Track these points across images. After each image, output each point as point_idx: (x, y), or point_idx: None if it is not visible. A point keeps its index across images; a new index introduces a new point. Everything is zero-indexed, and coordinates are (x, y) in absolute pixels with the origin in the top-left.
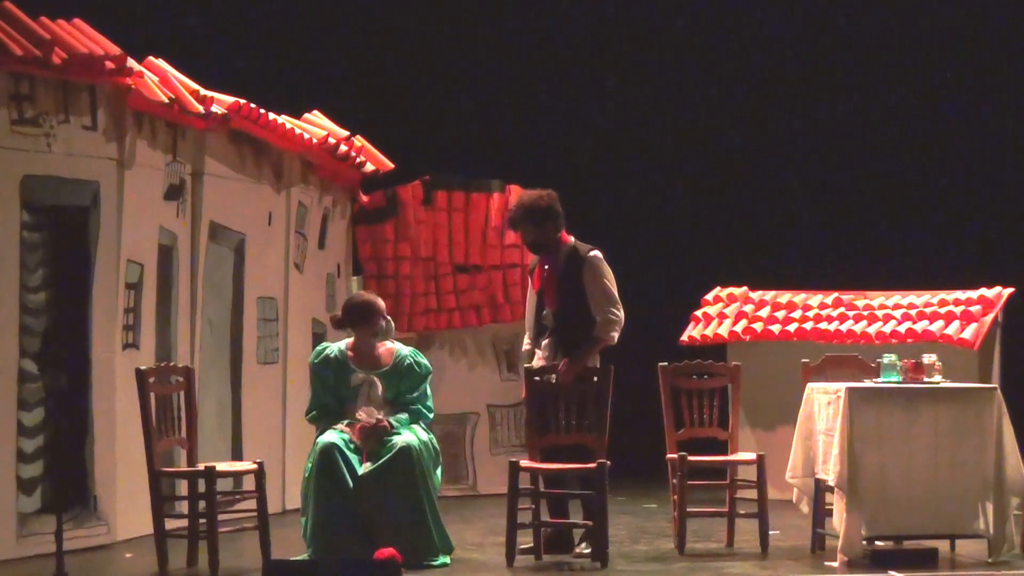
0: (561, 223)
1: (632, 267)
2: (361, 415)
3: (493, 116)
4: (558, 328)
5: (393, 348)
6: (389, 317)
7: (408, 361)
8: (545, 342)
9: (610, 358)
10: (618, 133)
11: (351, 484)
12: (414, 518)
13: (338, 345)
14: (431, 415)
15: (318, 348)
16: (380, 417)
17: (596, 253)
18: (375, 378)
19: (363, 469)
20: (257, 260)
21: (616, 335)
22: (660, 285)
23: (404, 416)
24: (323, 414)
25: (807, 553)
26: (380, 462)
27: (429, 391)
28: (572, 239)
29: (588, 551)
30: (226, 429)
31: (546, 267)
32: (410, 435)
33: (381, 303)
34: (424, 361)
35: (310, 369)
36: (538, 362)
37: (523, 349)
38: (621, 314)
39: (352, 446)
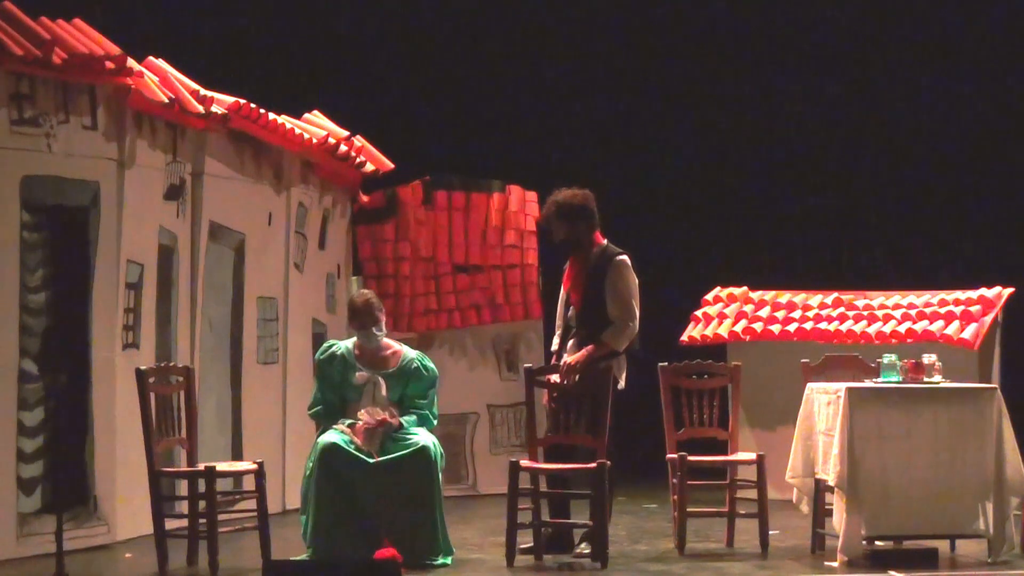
0: (595, 223)
1: (633, 267)
2: (363, 415)
3: (493, 116)
4: (579, 328)
5: (400, 350)
6: (369, 327)
7: (415, 365)
8: (570, 343)
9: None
10: (618, 133)
11: (355, 480)
12: (423, 517)
13: (346, 344)
14: (435, 422)
15: (325, 344)
16: (386, 415)
17: (623, 258)
18: (380, 378)
19: (375, 460)
20: (257, 260)
21: (624, 344)
22: (660, 285)
23: (412, 418)
24: (326, 412)
25: (807, 553)
26: (398, 454)
27: (435, 398)
28: (605, 241)
29: (588, 551)
30: (226, 429)
31: (576, 267)
32: (427, 436)
33: (361, 304)
34: (431, 365)
35: (315, 365)
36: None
37: (552, 350)
38: (635, 325)
39: (353, 446)
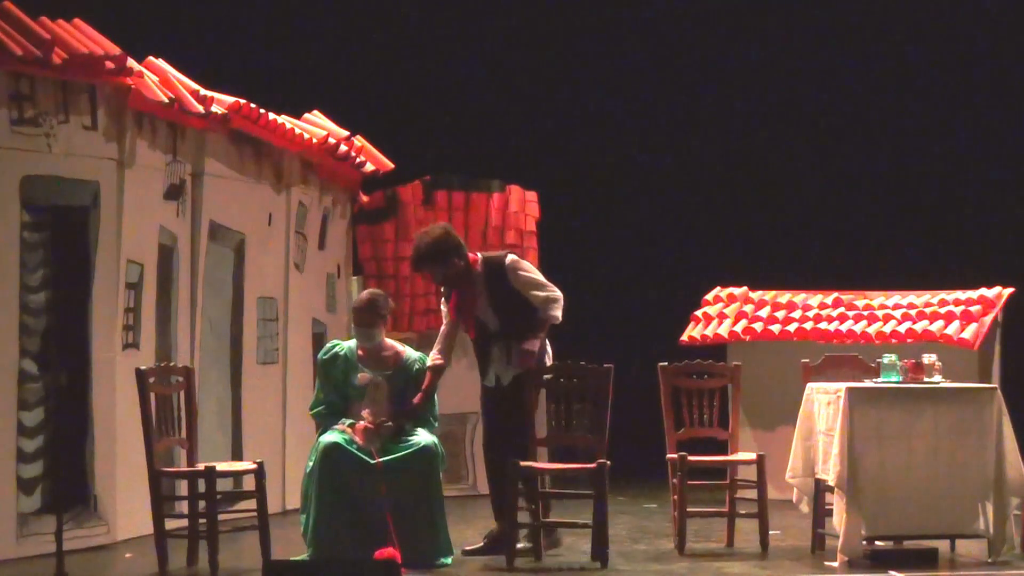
0: (463, 250)
1: (633, 267)
2: (366, 415)
3: (493, 116)
4: (506, 335)
5: (403, 352)
6: (366, 326)
7: (417, 366)
8: (495, 349)
9: (610, 358)
10: (618, 133)
11: (356, 480)
12: (427, 516)
13: (349, 344)
14: (436, 423)
15: (329, 344)
16: (383, 419)
17: (511, 257)
18: (382, 379)
19: (377, 460)
20: (257, 260)
21: (559, 313)
22: (660, 285)
23: (413, 419)
24: (329, 411)
25: (807, 553)
26: (402, 454)
27: (436, 400)
28: (479, 256)
29: (529, 546)
30: (226, 429)
31: (465, 294)
32: (428, 436)
33: (360, 303)
34: None
35: (318, 364)
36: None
37: (435, 362)
38: (558, 292)
39: (355, 446)
